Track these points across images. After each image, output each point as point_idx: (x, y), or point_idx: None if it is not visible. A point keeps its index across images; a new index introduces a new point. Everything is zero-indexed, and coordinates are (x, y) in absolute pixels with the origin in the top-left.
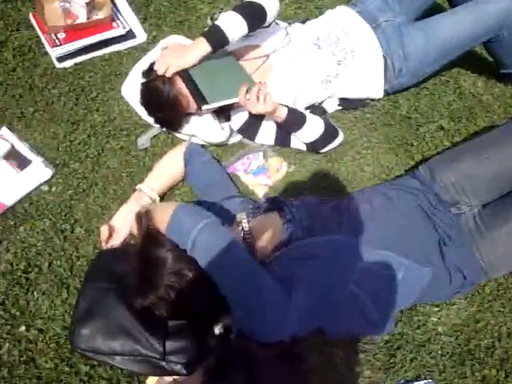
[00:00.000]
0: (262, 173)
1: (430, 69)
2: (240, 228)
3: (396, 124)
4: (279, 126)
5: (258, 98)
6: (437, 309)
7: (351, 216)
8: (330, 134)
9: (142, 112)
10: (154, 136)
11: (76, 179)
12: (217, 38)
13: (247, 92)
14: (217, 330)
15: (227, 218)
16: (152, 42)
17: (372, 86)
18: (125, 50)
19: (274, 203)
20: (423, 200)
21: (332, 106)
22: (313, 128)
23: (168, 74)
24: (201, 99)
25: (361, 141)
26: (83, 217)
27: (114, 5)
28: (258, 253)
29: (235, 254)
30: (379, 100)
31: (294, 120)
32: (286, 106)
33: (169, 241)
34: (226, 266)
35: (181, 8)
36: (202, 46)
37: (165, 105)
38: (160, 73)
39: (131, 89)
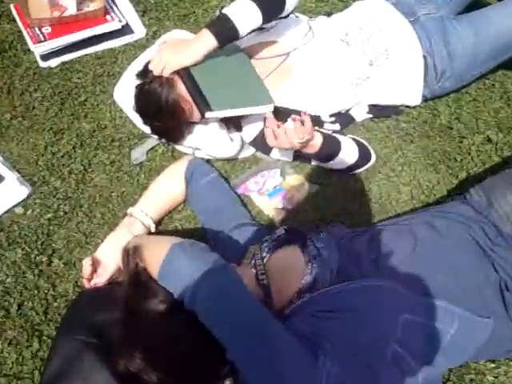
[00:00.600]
0: (279, 194)
1: (477, 71)
2: (252, 265)
3: (435, 135)
4: (311, 157)
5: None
6: (493, 365)
7: (389, 251)
8: (363, 158)
9: (138, 120)
10: (151, 148)
11: (57, 200)
12: (224, 31)
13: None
14: None
15: (237, 252)
16: (152, 37)
17: (409, 91)
18: (120, 47)
19: (295, 235)
20: (478, 232)
21: (361, 114)
22: (346, 156)
23: (165, 74)
24: (204, 105)
25: (395, 155)
26: (63, 246)
27: None
28: (274, 300)
29: (248, 311)
30: (415, 107)
31: (327, 151)
32: (321, 133)
33: (162, 289)
34: (235, 326)
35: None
36: (207, 41)
37: (163, 111)
38: (156, 73)
39: (125, 92)
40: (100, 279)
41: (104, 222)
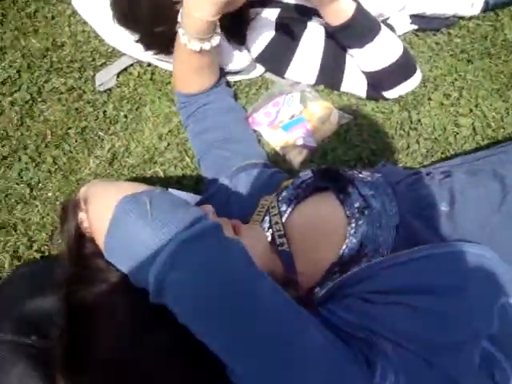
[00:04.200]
0: (298, 126)
1: None
2: (266, 224)
3: (499, 54)
4: (337, 33)
5: None
6: None
7: (468, 201)
8: (406, 63)
9: (107, 32)
10: (123, 70)
11: None
12: None
13: None
14: None
15: (244, 205)
16: None
17: None
18: None
19: (328, 178)
20: None
21: (403, 25)
22: (387, 45)
23: None
24: None
25: (450, 78)
26: (1, 201)
27: None
28: (299, 275)
29: (258, 301)
30: (471, 18)
31: (362, 24)
32: (355, 1)
33: (112, 269)
34: (236, 329)
35: None
36: None
37: (165, 7)
38: None
39: None
40: None
41: (57, 169)
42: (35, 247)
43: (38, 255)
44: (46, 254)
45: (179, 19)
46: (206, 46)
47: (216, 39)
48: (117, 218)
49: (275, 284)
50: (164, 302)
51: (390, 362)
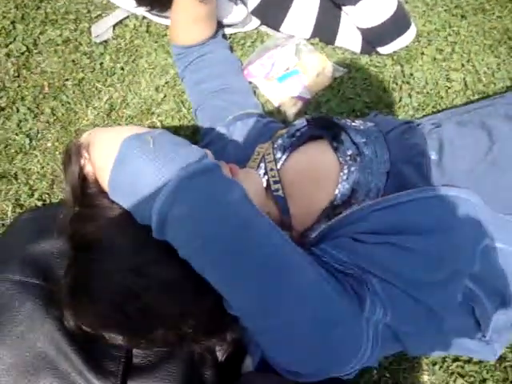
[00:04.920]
0: (292, 78)
1: None
2: (262, 170)
3: (494, 9)
4: None
5: None
6: None
7: (456, 150)
8: (400, 19)
9: None
10: (119, 22)
11: None
12: None
13: None
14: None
15: (240, 152)
16: None
17: None
18: None
19: (322, 126)
20: None
21: None
22: (380, 2)
23: None
24: None
25: (443, 33)
26: (1, 152)
27: None
28: (294, 218)
29: (255, 234)
30: None
31: None
32: None
33: (117, 208)
34: (236, 260)
35: None
36: None
37: None
38: None
39: None
40: None
41: (55, 120)
42: (36, 196)
43: (39, 203)
44: (48, 202)
45: None
46: None
47: None
48: (122, 155)
49: (272, 222)
50: (166, 238)
51: (378, 297)
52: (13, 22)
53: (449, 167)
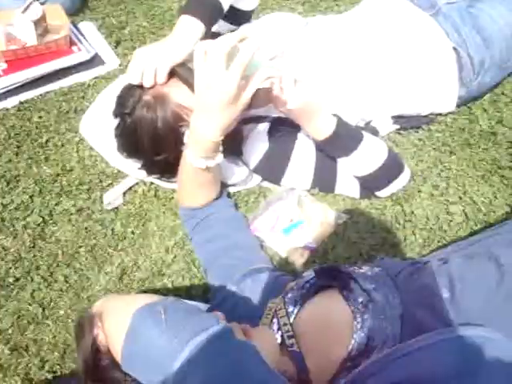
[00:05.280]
0: (297, 229)
1: None
2: (275, 328)
3: (478, 143)
4: (323, 147)
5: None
6: None
7: (467, 285)
8: (393, 164)
9: (112, 156)
10: (129, 189)
11: (5, 263)
12: (204, 8)
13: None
14: None
15: (252, 310)
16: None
17: (442, 95)
18: (90, 80)
19: (330, 276)
20: None
21: (386, 126)
22: (372, 150)
23: (160, 80)
24: None
25: (436, 170)
26: (11, 325)
27: (77, 29)
28: (312, 376)
29: None
30: (447, 114)
31: (345, 136)
32: (335, 115)
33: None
34: None
35: (165, 27)
36: (190, 25)
37: (164, 135)
38: (148, 83)
39: (94, 125)
40: None
41: (68, 287)
42: (47, 367)
43: (49, 376)
44: (58, 373)
45: (185, 140)
46: (211, 163)
47: (220, 156)
48: (133, 328)
49: (286, 381)
50: None
51: None
52: (31, 196)
53: (462, 304)
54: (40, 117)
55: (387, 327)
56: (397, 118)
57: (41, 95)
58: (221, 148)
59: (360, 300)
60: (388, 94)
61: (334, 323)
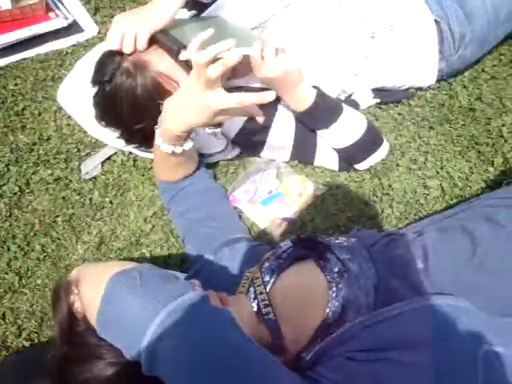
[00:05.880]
0: (276, 200)
1: (500, 31)
2: (251, 295)
3: (457, 119)
4: (302, 118)
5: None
6: None
7: (441, 257)
8: (372, 137)
9: (90, 125)
10: (107, 159)
11: None
12: None
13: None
14: None
15: (229, 278)
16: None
17: (422, 67)
18: (67, 47)
19: (307, 246)
20: None
21: (366, 100)
22: (351, 123)
23: (141, 46)
24: (178, 46)
25: (415, 144)
26: None
27: None
28: (287, 342)
29: (249, 367)
30: (427, 89)
31: (325, 107)
32: (315, 87)
33: (105, 345)
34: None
35: None
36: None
37: (144, 104)
38: (128, 49)
39: (72, 94)
40: None
41: (45, 256)
42: (24, 335)
43: (26, 343)
44: (35, 341)
45: (159, 120)
46: (178, 149)
47: (189, 144)
48: (108, 293)
49: (261, 347)
50: (156, 373)
51: None
52: (7, 165)
53: (436, 275)
54: (16, 84)
55: (361, 296)
56: (377, 92)
57: (17, 62)
58: (193, 134)
59: (335, 270)
60: (369, 65)
61: (310, 292)
